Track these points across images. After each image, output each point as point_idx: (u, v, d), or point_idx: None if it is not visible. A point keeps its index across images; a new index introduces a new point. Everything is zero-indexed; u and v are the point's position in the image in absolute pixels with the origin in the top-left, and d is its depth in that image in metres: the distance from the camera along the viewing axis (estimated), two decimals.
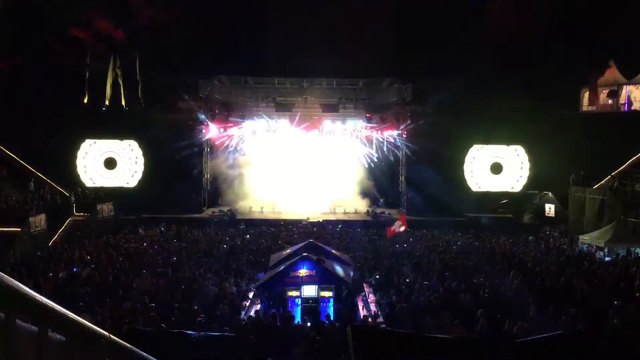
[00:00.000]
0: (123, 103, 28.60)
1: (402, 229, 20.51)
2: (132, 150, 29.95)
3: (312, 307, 13.25)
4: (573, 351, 3.58)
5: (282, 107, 30.19)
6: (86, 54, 27.70)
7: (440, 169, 28.68)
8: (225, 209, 29.72)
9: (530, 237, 23.76)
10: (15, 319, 1.99)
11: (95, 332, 2.61)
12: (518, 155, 30.83)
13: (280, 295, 13.58)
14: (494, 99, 27.42)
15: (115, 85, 28.41)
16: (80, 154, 29.68)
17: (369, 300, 14.48)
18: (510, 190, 30.83)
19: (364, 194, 32.40)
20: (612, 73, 32.09)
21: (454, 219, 27.37)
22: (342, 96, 30.48)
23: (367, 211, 30.56)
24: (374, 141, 32.42)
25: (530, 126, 28.38)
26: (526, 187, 30.62)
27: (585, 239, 21.35)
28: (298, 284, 13.36)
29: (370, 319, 12.74)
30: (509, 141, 30.73)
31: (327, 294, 13.47)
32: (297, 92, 30.05)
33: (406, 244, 21.10)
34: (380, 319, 12.45)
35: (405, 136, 30.78)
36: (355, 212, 30.73)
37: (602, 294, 13.26)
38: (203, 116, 30.30)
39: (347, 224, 27.15)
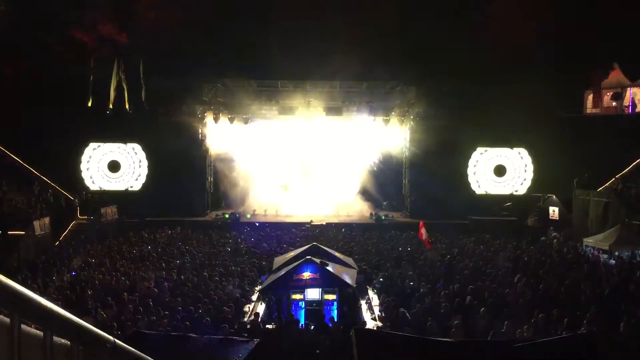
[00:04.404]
0: (127, 106, 28.69)
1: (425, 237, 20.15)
2: (135, 153, 30.05)
3: (315, 310, 13.26)
4: (575, 354, 3.58)
5: (286, 110, 30.21)
6: (90, 57, 27.81)
7: (444, 172, 28.62)
8: (228, 211, 29.75)
9: (543, 238, 23.76)
10: (20, 323, 2.00)
11: (99, 336, 2.62)
12: (522, 157, 30.80)
13: (284, 298, 13.59)
14: (497, 102, 27.39)
15: (119, 89, 28.50)
16: (84, 157, 29.78)
17: (372, 303, 14.48)
18: (513, 192, 30.78)
19: (368, 196, 32.38)
20: (616, 75, 32.02)
21: (458, 222, 27.33)
22: (345, 99, 30.48)
23: (371, 214, 30.54)
24: (378, 144, 32.41)
25: (534, 128, 28.32)
26: (530, 189, 30.55)
27: (589, 241, 21.27)
28: (302, 287, 13.38)
29: (373, 322, 12.75)
30: (512, 144, 30.70)
31: (331, 297, 13.48)
32: (300, 95, 30.07)
33: (410, 247, 21.07)
34: (384, 322, 12.45)
35: (408, 139, 30.76)
36: (359, 215, 30.69)
37: (606, 297, 13.23)
38: (206, 119, 30.39)
39: (350, 226, 27.12)
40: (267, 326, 11.99)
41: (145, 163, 30.02)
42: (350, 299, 14.03)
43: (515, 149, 30.82)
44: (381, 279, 15.75)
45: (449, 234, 24.06)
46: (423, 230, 19.57)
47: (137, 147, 30.06)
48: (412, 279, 15.34)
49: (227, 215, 28.51)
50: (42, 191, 26.72)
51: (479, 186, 30.85)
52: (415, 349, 3.88)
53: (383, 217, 29.12)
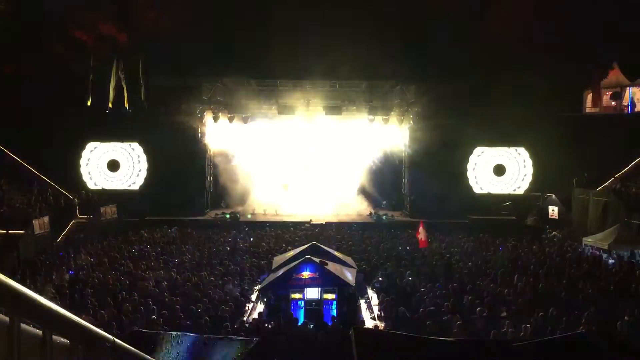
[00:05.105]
0: (126, 106, 28.66)
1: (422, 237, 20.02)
2: (135, 152, 30.05)
3: (315, 309, 13.26)
4: (575, 353, 3.58)
5: (285, 109, 30.22)
6: (89, 56, 27.77)
7: (443, 171, 28.64)
8: (228, 211, 29.76)
9: (543, 236, 23.79)
10: (20, 322, 2.00)
11: (99, 335, 2.62)
12: (521, 157, 30.82)
13: (283, 297, 13.58)
14: (496, 101, 27.39)
15: (118, 88, 28.47)
16: (84, 156, 29.79)
17: (372, 302, 14.48)
18: (513, 192, 30.79)
19: (367, 196, 32.38)
20: (615, 75, 32.04)
21: (457, 221, 27.33)
22: (344, 98, 30.50)
23: (370, 213, 30.54)
24: (377, 143, 32.41)
25: (533, 128, 28.34)
26: (529, 189, 30.57)
27: (588, 241, 21.29)
28: (301, 286, 13.37)
29: (373, 321, 12.76)
30: (512, 143, 30.72)
31: (330, 296, 13.47)
32: (299, 94, 30.10)
33: (409, 246, 21.06)
34: (383, 322, 12.46)
35: (408, 138, 30.77)
36: (358, 215, 30.70)
37: (606, 296, 13.24)
38: (206, 118, 30.38)
39: (349, 226, 27.12)
40: (266, 325, 11.99)
41: (144, 162, 30.03)
42: (349, 298, 14.03)
43: (514, 148, 30.84)
44: (380, 278, 15.75)
45: (449, 234, 24.07)
46: (421, 229, 19.52)
47: (136, 147, 30.06)
48: (411, 278, 15.34)
49: (227, 216, 28.46)
50: (41, 190, 26.69)
51: (478, 185, 30.87)
52: (415, 348, 3.88)
53: (383, 217, 29.12)
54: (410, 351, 3.77)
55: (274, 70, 27.62)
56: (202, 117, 30.10)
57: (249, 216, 29.38)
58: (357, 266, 16.15)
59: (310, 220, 27.82)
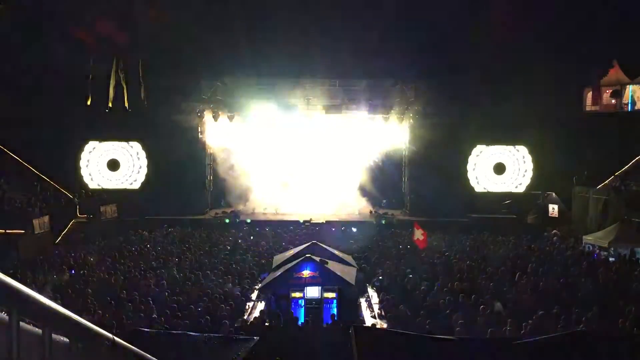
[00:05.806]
0: (126, 105, 28.65)
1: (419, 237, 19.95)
2: (135, 152, 30.05)
3: (315, 308, 13.26)
4: (575, 352, 3.58)
5: (285, 108, 30.18)
6: (89, 56, 27.75)
7: (444, 170, 28.59)
8: (228, 210, 29.73)
9: (545, 234, 23.77)
10: (19, 320, 2.00)
11: (98, 334, 2.62)
12: (521, 155, 30.81)
13: (284, 296, 13.59)
14: (496, 99, 27.37)
15: (118, 87, 28.45)
16: (84, 155, 29.79)
17: (372, 301, 14.48)
18: (513, 190, 30.78)
19: (367, 194, 32.33)
20: (616, 73, 31.96)
21: (457, 220, 27.31)
22: (344, 97, 30.46)
23: (370, 212, 30.52)
24: (377, 142, 32.37)
25: (533, 126, 28.32)
26: (529, 187, 30.56)
27: (589, 239, 21.28)
28: (301, 285, 13.38)
29: (373, 320, 12.77)
30: (512, 141, 30.71)
31: (331, 295, 13.47)
32: (299, 93, 30.06)
33: (409, 244, 21.04)
34: (384, 320, 12.46)
35: (408, 136, 30.75)
36: (358, 213, 30.67)
37: (606, 294, 13.24)
38: (205, 117, 30.36)
39: (350, 225, 27.09)
40: (267, 324, 11.99)
41: (144, 161, 30.03)
42: (350, 297, 14.03)
43: (514, 146, 30.82)
44: (381, 277, 15.75)
45: (449, 232, 24.04)
46: (416, 231, 19.44)
47: (136, 146, 30.06)
48: (412, 277, 15.33)
49: (227, 220, 28.16)
50: (41, 190, 26.70)
51: (478, 184, 30.86)
52: (415, 346, 3.88)
53: (383, 215, 29.10)
54: (410, 350, 3.77)
55: (273, 69, 27.59)
56: (202, 116, 30.07)
57: (249, 220, 29.25)
58: (357, 265, 16.16)
59: (310, 219, 27.80)
